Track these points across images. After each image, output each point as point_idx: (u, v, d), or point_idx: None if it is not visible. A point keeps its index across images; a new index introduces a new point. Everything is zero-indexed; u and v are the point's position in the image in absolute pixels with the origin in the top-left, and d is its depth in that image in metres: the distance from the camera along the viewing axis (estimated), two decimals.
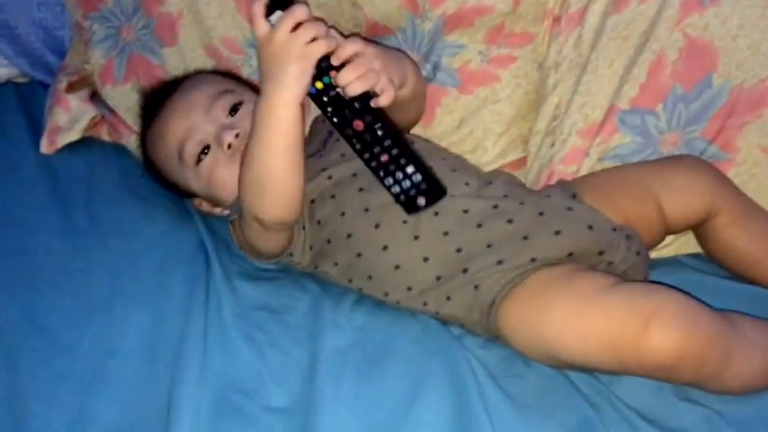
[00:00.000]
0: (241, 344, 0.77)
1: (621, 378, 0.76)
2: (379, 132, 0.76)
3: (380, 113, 0.76)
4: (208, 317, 0.80)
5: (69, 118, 1.11)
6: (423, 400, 0.72)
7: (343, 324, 0.82)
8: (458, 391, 0.73)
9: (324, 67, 0.75)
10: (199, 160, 0.93)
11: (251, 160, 0.79)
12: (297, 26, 0.73)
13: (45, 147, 1.10)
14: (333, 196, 0.86)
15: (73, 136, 1.11)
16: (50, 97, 1.14)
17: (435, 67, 1.02)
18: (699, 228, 0.92)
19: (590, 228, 0.81)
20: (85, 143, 1.12)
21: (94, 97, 1.14)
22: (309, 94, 0.76)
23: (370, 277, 0.84)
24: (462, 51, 1.01)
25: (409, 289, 0.83)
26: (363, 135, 0.76)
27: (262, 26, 0.74)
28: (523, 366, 0.78)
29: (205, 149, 0.93)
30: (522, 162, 1.04)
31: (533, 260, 0.79)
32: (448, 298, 0.82)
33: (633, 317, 0.69)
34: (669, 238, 0.95)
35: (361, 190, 0.86)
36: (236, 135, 0.91)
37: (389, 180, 0.77)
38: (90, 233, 0.93)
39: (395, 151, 0.76)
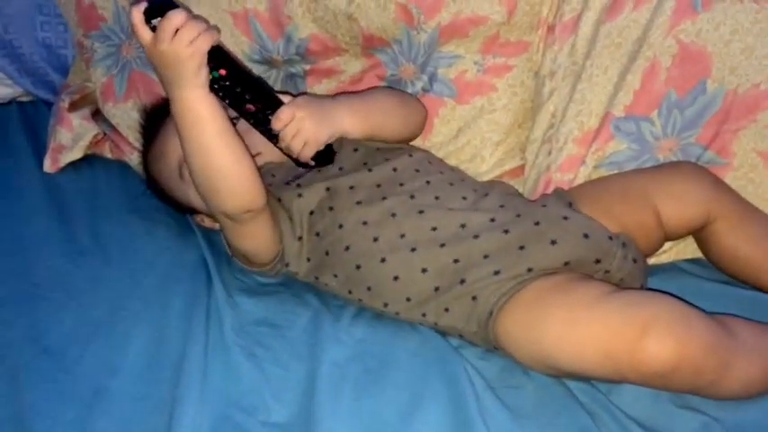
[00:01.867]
0: (241, 360, 0.78)
1: (620, 386, 0.77)
2: (269, 113, 0.85)
3: (269, 97, 0.86)
4: (209, 333, 0.81)
5: (72, 136, 1.13)
6: (422, 413, 0.73)
7: (343, 338, 0.82)
8: (456, 403, 0.73)
9: (211, 62, 0.78)
10: None
11: (192, 163, 0.82)
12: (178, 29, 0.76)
13: (48, 165, 1.11)
14: (331, 208, 0.87)
15: (76, 154, 1.13)
16: (53, 116, 1.15)
17: (432, 79, 1.03)
18: (698, 233, 0.92)
19: (586, 236, 0.81)
20: (88, 161, 1.14)
21: (96, 115, 1.16)
22: None
23: (369, 288, 0.85)
24: (458, 62, 1.02)
25: (408, 300, 0.84)
26: (257, 115, 0.85)
27: (145, 34, 0.76)
28: (522, 376, 0.78)
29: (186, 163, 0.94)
30: (520, 170, 1.04)
31: (530, 270, 0.79)
32: (446, 309, 0.82)
33: (629, 326, 0.69)
34: (668, 244, 0.95)
35: (359, 203, 0.86)
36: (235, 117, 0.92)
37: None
38: (93, 252, 0.94)
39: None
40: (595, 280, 0.80)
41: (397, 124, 0.98)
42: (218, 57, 0.79)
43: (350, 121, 0.91)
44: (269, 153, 0.93)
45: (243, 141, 0.83)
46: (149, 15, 0.75)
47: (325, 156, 0.90)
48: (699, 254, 0.95)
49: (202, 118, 0.79)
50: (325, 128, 0.88)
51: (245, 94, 0.83)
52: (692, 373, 0.69)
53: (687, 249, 0.96)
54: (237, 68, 0.82)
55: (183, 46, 0.74)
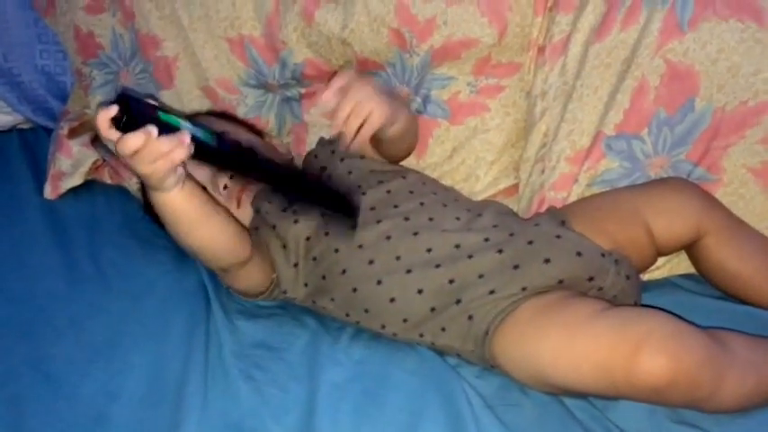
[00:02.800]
0: (240, 383, 0.78)
1: (616, 403, 0.77)
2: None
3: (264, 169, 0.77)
4: (208, 357, 0.82)
5: (72, 163, 1.14)
6: None
7: (342, 359, 0.83)
8: (455, 422, 0.74)
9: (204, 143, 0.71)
10: None
11: (178, 240, 0.82)
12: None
13: (49, 192, 1.13)
14: (327, 233, 0.88)
15: (76, 180, 1.14)
16: (53, 143, 1.17)
17: (425, 100, 1.04)
18: (690, 248, 0.93)
19: (579, 254, 0.82)
20: (88, 186, 1.15)
21: (95, 141, 1.17)
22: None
23: (366, 311, 0.86)
24: (451, 83, 1.03)
25: (405, 321, 0.84)
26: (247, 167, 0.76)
27: (112, 137, 0.68)
28: (519, 394, 0.79)
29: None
30: (514, 189, 1.05)
31: (524, 289, 0.80)
32: (443, 329, 0.83)
33: (624, 342, 0.70)
34: (662, 260, 0.96)
35: (353, 227, 0.87)
36: (231, 176, 0.93)
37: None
38: (93, 277, 0.95)
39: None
40: (589, 297, 0.81)
41: (414, 134, 1.00)
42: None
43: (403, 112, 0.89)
44: None
45: (222, 211, 0.82)
46: (118, 120, 0.66)
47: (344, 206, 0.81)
48: (692, 269, 0.96)
49: (176, 212, 0.78)
50: (386, 106, 0.82)
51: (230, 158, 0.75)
52: (686, 388, 0.69)
53: (681, 265, 0.97)
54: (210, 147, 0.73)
55: (144, 165, 0.69)
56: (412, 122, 0.98)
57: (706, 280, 0.94)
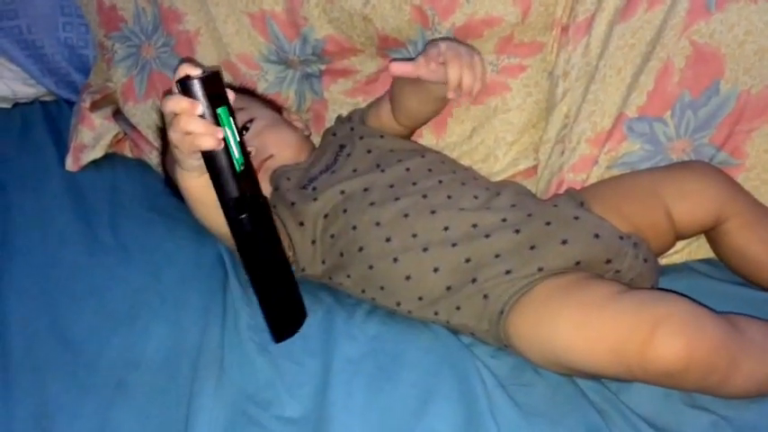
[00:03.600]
0: (256, 356, 0.79)
1: (630, 385, 0.77)
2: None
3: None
4: (225, 329, 0.83)
5: (93, 136, 1.15)
6: (433, 409, 0.74)
7: (357, 334, 0.84)
8: (467, 400, 0.74)
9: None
10: None
11: (197, 220, 0.85)
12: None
13: (70, 164, 1.14)
14: (345, 210, 0.89)
15: (97, 153, 1.15)
16: (75, 116, 1.18)
17: None
18: (710, 233, 0.92)
19: (597, 236, 0.82)
20: (109, 159, 1.16)
21: (117, 115, 1.18)
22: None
23: (382, 288, 0.86)
24: None
25: (420, 299, 0.85)
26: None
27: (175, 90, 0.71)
28: (533, 374, 0.79)
29: None
30: (533, 170, 1.05)
31: (540, 269, 0.80)
32: (458, 308, 0.83)
33: (639, 325, 0.70)
34: (680, 244, 0.96)
35: (372, 204, 0.88)
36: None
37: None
38: (113, 249, 0.96)
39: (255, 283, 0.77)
40: (606, 280, 0.80)
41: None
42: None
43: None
44: (281, 156, 0.95)
45: None
46: (184, 86, 0.69)
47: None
48: (711, 254, 0.95)
49: (193, 197, 0.81)
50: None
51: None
52: (701, 372, 0.69)
53: (700, 250, 0.96)
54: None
55: (173, 131, 0.71)
56: None
57: (725, 265, 0.93)
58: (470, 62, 0.85)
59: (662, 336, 0.69)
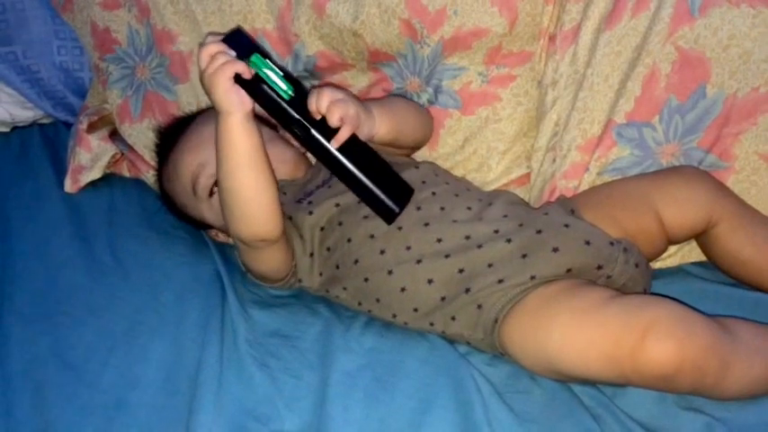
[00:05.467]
0: (254, 370, 0.80)
1: (625, 390, 0.78)
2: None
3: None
4: (223, 345, 0.83)
5: (91, 157, 1.17)
6: (430, 419, 0.75)
7: (354, 347, 0.85)
8: (464, 409, 0.75)
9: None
10: (212, 192, 0.97)
11: (221, 182, 0.86)
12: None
13: (69, 186, 1.15)
14: (340, 223, 0.90)
15: (95, 174, 1.16)
16: (72, 138, 1.19)
17: (437, 90, 1.05)
18: (701, 237, 0.93)
19: (587, 243, 0.83)
20: (107, 180, 1.17)
21: (114, 135, 1.20)
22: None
23: (378, 300, 0.87)
24: (462, 73, 1.04)
25: (415, 310, 0.86)
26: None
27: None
28: (529, 381, 0.80)
29: (216, 183, 0.97)
30: (526, 178, 1.06)
31: (533, 278, 0.81)
32: (453, 318, 0.84)
33: (630, 330, 0.71)
34: (673, 248, 0.96)
35: (365, 217, 0.89)
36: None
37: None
38: (112, 268, 0.97)
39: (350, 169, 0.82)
40: (597, 285, 0.81)
41: (416, 127, 1.01)
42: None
43: (380, 119, 0.91)
44: (277, 172, 0.96)
45: (273, 175, 0.86)
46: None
47: (401, 193, 0.85)
48: (704, 257, 0.96)
49: (234, 144, 0.82)
50: (366, 117, 0.87)
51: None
52: (693, 375, 0.70)
53: (692, 253, 0.97)
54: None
55: (210, 70, 0.80)
56: (416, 116, 1.00)
57: (717, 267, 0.94)
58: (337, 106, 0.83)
59: (652, 339, 0.69)
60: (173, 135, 1.04)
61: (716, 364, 0.70)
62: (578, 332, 0.74)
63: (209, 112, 1.06)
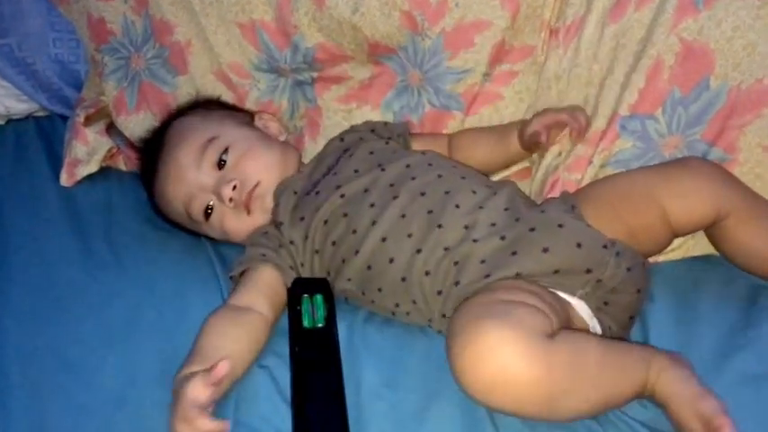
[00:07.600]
0: (254, 367, 0.79)
1: None
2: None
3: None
4: None
5: (87, 150, 1.15)
6: (433, 415, 0.75)
7: (355, 342, 0.83)
8: (467, 405, 0.74)
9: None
10: (207, 216, 0.96)
11: None
12: None
13: (65, 179, 1.14)
14: (345, 214, 0.89)
15: (91, 168, 1.15)
16: (69, 131, 1.18)
17: (438, 93, 1.04)
18: (710, 229, 0.91)
19: (578, 245, 0.81)
20: (103, 173, 1.16)
21: (110, 129, 1.18)
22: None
23: (380, 289, 0.86)
24: (466, 76, 1.03)
25: (414, 302, 0.85)
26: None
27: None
28: None
29: (209, 208, 0.96)
30: (527, 172, 1.05)
31: (518, 275, 0.80)
32: (444, 315, 0.83)
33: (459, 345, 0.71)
34: (677, 242, 0.94)
35: (372, 205, 0.88)
36: (234, 187, 0.94)
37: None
38: (109, 263, 0.96)
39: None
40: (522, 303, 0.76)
41: None
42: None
43: None
44: (268, 179, 0.96)
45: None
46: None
47: None
48: (709, 250, 0.95)
49: None
50: None
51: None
52: (517, 394, 0.68)
53: (697, 247, 0.96)
54: None
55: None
56: None
57: (728, 260, 0.92)
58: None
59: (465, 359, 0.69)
60: (149, 162, 1.02)
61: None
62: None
63: (179, 127, 1.02)
